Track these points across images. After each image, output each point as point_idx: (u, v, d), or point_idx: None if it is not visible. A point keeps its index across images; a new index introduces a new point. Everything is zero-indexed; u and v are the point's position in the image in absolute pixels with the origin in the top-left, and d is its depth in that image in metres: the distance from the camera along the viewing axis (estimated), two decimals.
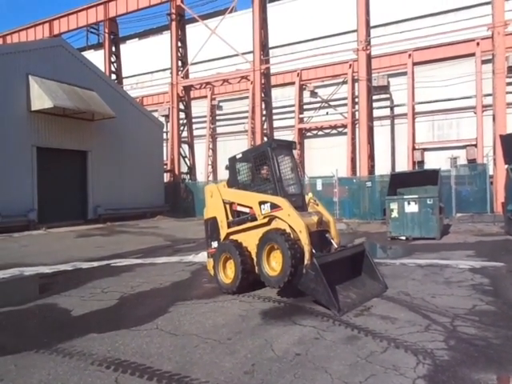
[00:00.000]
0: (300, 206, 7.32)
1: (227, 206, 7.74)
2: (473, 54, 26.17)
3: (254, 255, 7.00)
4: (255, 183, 7.52)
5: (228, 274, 7.34)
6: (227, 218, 7.68)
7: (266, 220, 6.95)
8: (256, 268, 6.89)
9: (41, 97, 19.37)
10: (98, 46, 42.64)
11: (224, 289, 7.29)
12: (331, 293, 6.00)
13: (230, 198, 7.72)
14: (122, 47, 34.98)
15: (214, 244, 7.83)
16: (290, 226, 6.62)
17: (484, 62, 25.01)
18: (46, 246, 14.41)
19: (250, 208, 7.30)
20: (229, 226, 7.62)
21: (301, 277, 6.30)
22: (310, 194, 7.82)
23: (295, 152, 7.98)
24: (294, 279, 6.38)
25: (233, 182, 7.86)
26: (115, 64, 32.79)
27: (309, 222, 6.78)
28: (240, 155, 7.93)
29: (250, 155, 7.75)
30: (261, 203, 7.04)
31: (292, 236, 6.53)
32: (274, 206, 6.85)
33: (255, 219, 7.22)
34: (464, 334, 5.06)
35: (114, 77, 31.62)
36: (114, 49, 32.85)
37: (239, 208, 7.57)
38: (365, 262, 7.22)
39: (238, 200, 7.60)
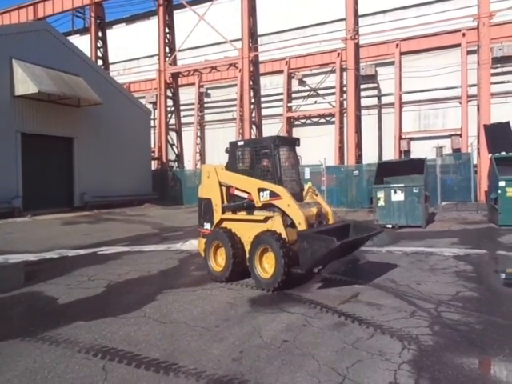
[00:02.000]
0: (297, 193, 7.31)
1: (223, 190, 7.64)
2: (458, 45, 26.32)
3: (246, 247, 6.99)
4: (254, 175, 7.38)
5: (219, 261, 7.33)
6: (222, 201, 7.59)
7: (262, 217, 6.93)
8: (247, 261, 6.90)
9: (25, 81, 18.96)
10: (83, 30, 41.62)
11: (213, 276, 7.29)
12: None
13: (229, 181, 7.61)
14: (109, 32, 34.29)
15: (207, 225, 7.77)
16: (284, 229, 6.62)
17: (469, 52, 25.13)
18: (31, 234, 14.24)
19: (249, 194, 7.23)
20: (223, 211, 7.56)
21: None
22: (310, 183, 7.79)
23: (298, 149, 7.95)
24: (284, 285, 6.45)
25: (231, 167, 7.74)
26: (101, 49, 32.15)
27: (308, 213, 6.77)
28: (242, 142, 7.89)
29: (252, 146, 7.67)
30: (260, 190, 6.99)
31: (287, 240, 6.52)
32: (273, 195, 6.82)
33: (251, 206, 7.18)
34: (448, 320, 5.16)
35: (100, 62, 31.01)
36: (100, 34, 32.15)
37: (237, 192, 7.49)
38: (353, 229, 7.38)
39: (236, 184, 7.49)
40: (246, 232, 7.04)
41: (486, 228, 13.24)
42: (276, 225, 6.71)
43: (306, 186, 7.65)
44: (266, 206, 7.05)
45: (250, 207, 7.24)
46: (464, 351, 4.31)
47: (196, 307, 5.89)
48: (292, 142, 7.96)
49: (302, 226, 6.50)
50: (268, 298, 6.29)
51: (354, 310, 5.56)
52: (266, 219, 6.89)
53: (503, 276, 7.28)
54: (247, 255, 6.93)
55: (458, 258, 8.74)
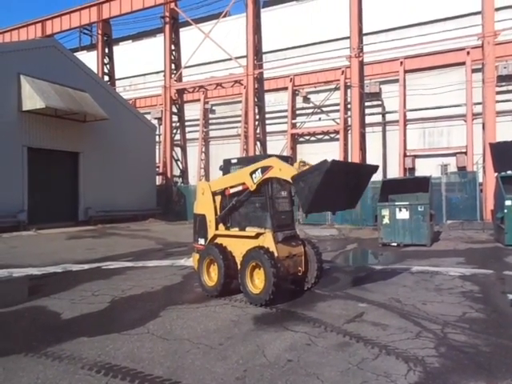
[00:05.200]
0: (289, 224, 7.45)
1: (217, 201, 7.73)
2: (463, 63, 26.46)
3: (238, 262, 7.08)
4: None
5: (212, 276, 7.42)
6: (216, 214, 7.71)
7: (253, 233, 7.05)
8: (239, 277, 6.94)
9: (32, 97, 19.22)
10: (90, 47, 42.44)
11: (206, 291, 7.38)
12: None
13: (222, 184, 7.76)
14: (115, 49, 34.87)
15: (201, 241, 7.90)
16: (275, 245, 6.67)
17: (474, 70, 25.28)
18: (36, 248, 14.26)
19: (243, 184, 7.29)
20: (217, 223, 7.66)
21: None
22: (301, 158, 7.83)
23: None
24: (276, 298, 6.49)
25: None
26: (108, 65, 32.66)
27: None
28: (235, 160, 7.98)
29: (245, 163, 7.75)
30: (252, 173, 7.07)
31: (278, 256, 6.60)
32: (264, 170, 6.90)
33: (241, 201, 7.31)
34: (454, 341, 5.09)
35: (106, 78, 31.47)
36: (107, 50, 32.72)
37: (232, 190, 7.53)
38: None
39: (229, 183, 7.61)
40: (238, 248, 7.15)
41: (493, 247, 13.14)
42: (267, 241, 6.81)
43: (297, 162, 7.63)
44: (260, 192, 7.08)
45: (239, 203, 7.35)
46: (471, 374, 4.23)
47: (200, 324, 5.85)
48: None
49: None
50: (272, 316, 6.25)
51: (358, 330, 5.50)
52: (257, 235, 7.01)
53: (510, 297, 7.19)
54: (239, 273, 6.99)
55: (464, 278, 8.66)
